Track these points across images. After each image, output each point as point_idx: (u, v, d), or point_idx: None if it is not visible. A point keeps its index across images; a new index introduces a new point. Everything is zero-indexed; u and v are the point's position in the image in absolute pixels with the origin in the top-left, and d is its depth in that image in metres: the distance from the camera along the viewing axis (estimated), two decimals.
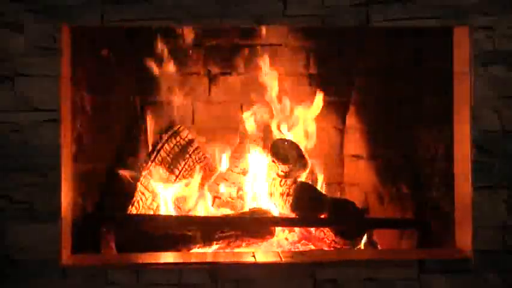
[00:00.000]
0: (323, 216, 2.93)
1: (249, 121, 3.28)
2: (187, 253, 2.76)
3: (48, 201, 2.48)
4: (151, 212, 2.99)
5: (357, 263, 2.59)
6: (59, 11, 2.48)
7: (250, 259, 2.58)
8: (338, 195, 3.39)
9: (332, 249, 2.91)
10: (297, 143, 3.14)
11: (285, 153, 3.06)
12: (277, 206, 3.03)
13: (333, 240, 2.91)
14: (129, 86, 3.32)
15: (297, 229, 2.99)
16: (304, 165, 3.08)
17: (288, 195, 2.98)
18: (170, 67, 3.29)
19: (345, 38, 3.33)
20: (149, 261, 2.57)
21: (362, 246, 2.94)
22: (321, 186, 3.17)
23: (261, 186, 3.12)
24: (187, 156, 3.11)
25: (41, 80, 2.47)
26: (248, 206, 3.07)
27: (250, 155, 3.17)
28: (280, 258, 2.60)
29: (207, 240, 2.82)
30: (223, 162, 3.20)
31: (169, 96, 3.34)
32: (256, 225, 2.88)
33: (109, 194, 3.01)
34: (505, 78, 2.55)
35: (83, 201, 2.75)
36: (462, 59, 2.59)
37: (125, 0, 2.49)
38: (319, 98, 3.28)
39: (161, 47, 3.28)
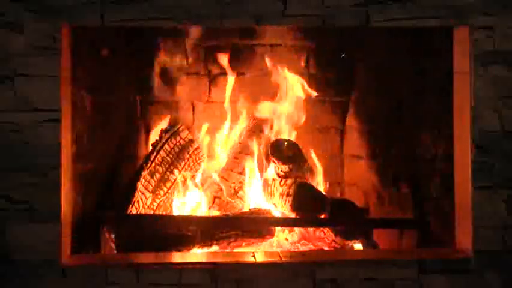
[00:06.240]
0: (323, 216, 2.93)
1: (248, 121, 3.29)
2: (187, 253, 2.76)
3: (48, 201, 2.48)
4: (151, 212, 2.99)
5: (357, 263, 2.59)
6: (59, 11, 2.48)
7: (250, 259, 2.58)
8: (338, 195, 3.39)
9: (332, 249, 2.91)
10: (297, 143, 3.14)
11: (285, 153, 3.06)
12: (277, 206, 3.03)
13: (333, 240, 2.92)
14: (129, 86, 3.32)
15: (297, 229, 2.99)
16: (306, 167, 3.09)
17: (288, 195, 2.98)
18: (171, 67, 3.29)
19: (345, 38, 3.32)
20: (149, 261, 2.57)
21: (360, 246, 2.95)
22: (321, 186, 3.17)
23: (261, 186, 3.12)
24: (187, 156, 3.11)
25: (41, 80, 2.47)
26: (248, 206, 3.07)
27: (250, 155, 3.17)
28: (280, 258, 2.60)
29: (207, 240, 2.82)
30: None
31: (169, 96, 3.34)
32: (256, 225, 2.88)
33: (109, 194, 3.01)
34: (505, 78, 2.55)
35: (83, 201, 2.75)
36: (462, 59, 2.59)
37: (125, 0, 2.49)
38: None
39: (161, 47, 3.28)
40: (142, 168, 3.03)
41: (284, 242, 2.98)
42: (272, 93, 3.31)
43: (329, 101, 3.45)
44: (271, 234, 2.90)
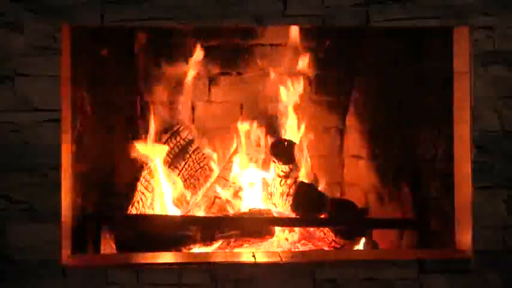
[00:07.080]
0: (323, 216, 2.93)
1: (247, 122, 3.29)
2: (187, 253, 2.76)
3: (48, 201, 2.47)
4: (151, 212, 2.99)
5: (357, 263, 2.59)
6: (59, 11, 2.48)
7: (250, 259, 2.58)
8: (338, 195, 3.39)
9: (332, 249, 2.91)
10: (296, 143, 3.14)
11: (285, 153, 3.06)
12: (277, 206, 3.03)
13: (333, 240, 2.92)
14: (129, 86, 3.32)
15: (297, 229, 2.99)
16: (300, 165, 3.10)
17: (288, 195, 2.98)
18: (170, 67, 3.29)
19: (345, 38, 3.32)
20: (149, 261, 2.57)
21: (361, 246, 2.95)
22: (321, 186, 3.17)
23: (260, 186, 3.11)
24: (187, 156, 3.11)
25: (41, 80, 2.47)
26: (248, 206, 3.07)
27: (250, 155, 3.17)
28: (280, 258, 2.60)
29: (207, 240, 2.82)
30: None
31: (169, 96, 3.34)
32: (256, 225, 2.88)
33: (109, 194, 3.01)
34: (505, 78, 2.55)
35: (83, 201, 2.75)
36: (462, 59, 2.59)
37: (125, 0, 2.49)
38: None
39: (161, 47, 3.28)
40: (142, 168, 3.03)
41: (284, 242, 2.98)
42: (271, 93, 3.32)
43: (329, 101, 3.45)
44: (271, 234, 2.90)
